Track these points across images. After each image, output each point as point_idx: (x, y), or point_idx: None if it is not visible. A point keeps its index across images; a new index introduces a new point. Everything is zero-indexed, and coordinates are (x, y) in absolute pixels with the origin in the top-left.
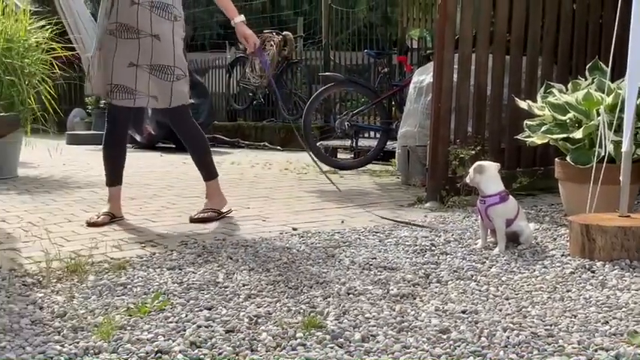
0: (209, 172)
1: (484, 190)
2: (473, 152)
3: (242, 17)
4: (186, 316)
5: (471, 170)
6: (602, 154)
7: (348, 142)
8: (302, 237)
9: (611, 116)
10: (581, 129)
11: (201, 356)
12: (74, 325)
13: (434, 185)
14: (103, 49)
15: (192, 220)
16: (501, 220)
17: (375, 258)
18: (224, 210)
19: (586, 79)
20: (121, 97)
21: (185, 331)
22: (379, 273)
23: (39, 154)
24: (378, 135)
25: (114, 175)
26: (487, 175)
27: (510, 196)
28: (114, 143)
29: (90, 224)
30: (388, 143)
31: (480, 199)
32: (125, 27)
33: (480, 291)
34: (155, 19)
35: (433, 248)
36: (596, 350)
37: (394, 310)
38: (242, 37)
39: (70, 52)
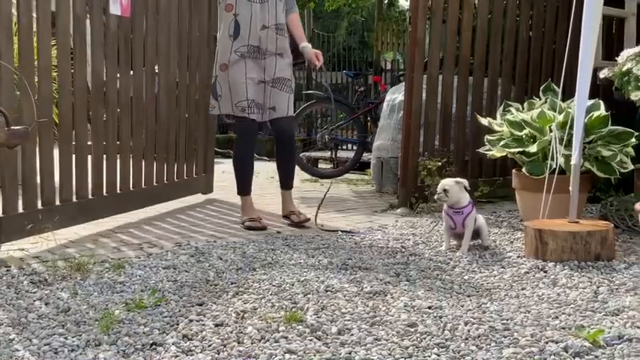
0: (291, 183)
1: (462, 203)
2: (439, 164)
3: (309, 44)
4: (180, 311)
5: (440, 190)
6: (554, 166)
7: (328, 154)
8: (286, 240)
9: (562, 132)
10: (536, 144)
11: (192, 348)
12: (77, 320)
13: (404, 193)
14: (231, 70)
15: (295, 222)
16: (472, 225)
17: (351, 259)
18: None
19: (540, 99)
20: (256, 111)
21: (178, 325)
22: (354, 272)
23: None
24: (355, 147)
25: (248, 184)
26: (463, 192)
27: None
28: (248, 155)
29: (251, 228)
30: (364, 155)
31: (455, 210)
32: (255, 48)
33: (444, 289)
34: (280, 39)
35: (403, 250)
36: (547, 342)
37: (367, 306)
38: (313, 55)
39: None
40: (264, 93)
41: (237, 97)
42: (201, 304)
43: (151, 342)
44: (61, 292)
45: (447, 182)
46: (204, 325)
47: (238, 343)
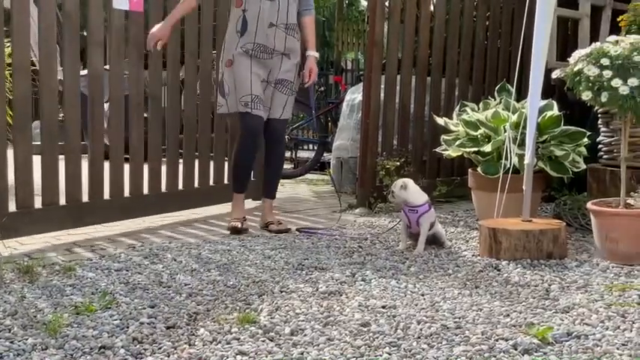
0: (274, 192)
1: (414, 202)
2: (398, 163)
3: (317, 54)
4: (131, 313)
5: (394, 189)
6: (508, 165)
7: (288, 154)
8: (242, 240)
9: (516, 132)
10: (490, 143)
11: (142, 351)
12: (24, 323)
13: (363, 193)
14: (235, 65)
15: (273, 231)
16: (428, 225)
17: (308, 259)
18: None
19: (495, 99)
20: (260, 107)
21: (128, 327)
22: (310, 273)
23: None
24: (315, 147)
25: (245, 182)
26: (412, 190)
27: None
28: (249, 152)
29: (235, 231)
30: (324, 155)
31: (410, 209)
32: (262, 47)
33: (399, 288)
34: (289, 40)
35: (360, 249)
36: (497, 340)
37: (322, 306)
38: (307, 69)
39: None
40: (264, 92)
41: (241, 92)
42: (153, 307)
43: (100, 345)
44: (8, 296)
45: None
46: (155, 327)
47: (189, 345)
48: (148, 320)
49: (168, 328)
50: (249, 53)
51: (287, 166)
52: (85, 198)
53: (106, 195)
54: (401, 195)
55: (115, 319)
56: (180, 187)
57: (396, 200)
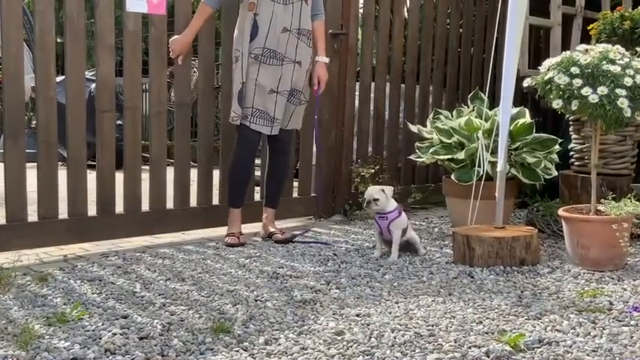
0: (277, 201)
1: (385, 209)
2: (372, 171)
3: (327, 60)
4: (103, 324)
5: (369, 198)
6: (481, 172)
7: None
8: (217, 249)
9: (489, 140)
10: (464, 151)
11: None
12: None
13: (338, 200)
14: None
15: (280, 241)
16: (399, 231)
17: (283, 267)
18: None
19: (469, 107)
20: (260, 122)
21: (101, 338)
22: (285, 281)
23: None
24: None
25: (241, 196)
26: (386, 197)
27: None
28: (246, 163)
29: (231, 245)
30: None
31: (380, 216)
32: (271, 52)
33: (373, 296)
34: (300, 46)
35: (335, 257)
36: (469, 347)
37: (296, 315)
38: (316, 76)
39: None
40: (275, 104)
41: (245, 103)
42: (125, 317)
43: (72, 357)
44: None
45: (374, 191)
46: (127, 338)
47: (162, 356)
48: (120, 331)
49: (141, 338)
50: (257, 59)
51: None
52: (91, 212)
53: (120, 209)
54: (380, 206)
55: (88, 330)
56: (217, 202)
57: (379, 208)
